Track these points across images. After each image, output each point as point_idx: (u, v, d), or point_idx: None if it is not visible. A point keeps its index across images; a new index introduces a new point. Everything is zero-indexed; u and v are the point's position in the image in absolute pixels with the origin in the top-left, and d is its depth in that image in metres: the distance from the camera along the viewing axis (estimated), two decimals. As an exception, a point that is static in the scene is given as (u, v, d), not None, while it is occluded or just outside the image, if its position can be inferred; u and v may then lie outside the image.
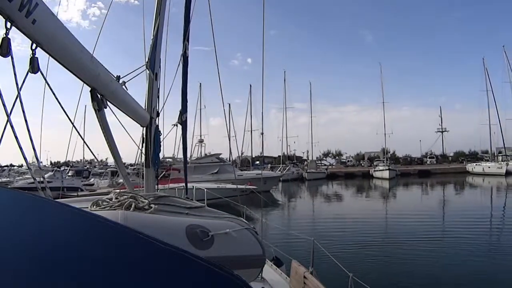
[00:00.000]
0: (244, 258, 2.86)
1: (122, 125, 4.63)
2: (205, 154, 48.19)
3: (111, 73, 3.77)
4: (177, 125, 6.54)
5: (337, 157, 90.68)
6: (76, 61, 2.88)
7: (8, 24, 2.06)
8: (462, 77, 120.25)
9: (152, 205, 3.17)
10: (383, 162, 62.43)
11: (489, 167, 54.71)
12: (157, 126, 5.54)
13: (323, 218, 21.30)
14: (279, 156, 73.00)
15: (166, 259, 1.11)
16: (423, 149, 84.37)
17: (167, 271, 1.08)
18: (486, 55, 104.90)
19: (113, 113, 4.06)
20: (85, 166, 48.81)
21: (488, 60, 76.73)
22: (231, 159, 51.23)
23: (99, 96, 3.41)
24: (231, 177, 29.88)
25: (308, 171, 60.87)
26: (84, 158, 56.19)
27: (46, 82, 2.77)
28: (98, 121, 3.64)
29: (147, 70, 5.19)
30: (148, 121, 5.18)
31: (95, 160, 61.58)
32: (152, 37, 5.29)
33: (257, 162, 67.35)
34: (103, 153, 38.82)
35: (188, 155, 7.81)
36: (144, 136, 5.30)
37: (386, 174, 53.28)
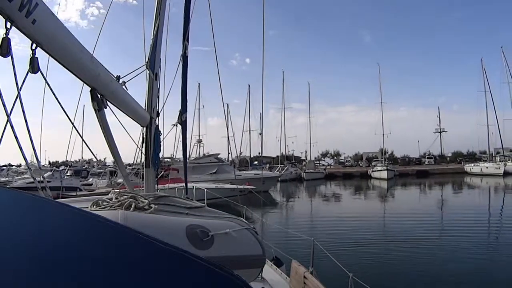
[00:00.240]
0: (244, 258, 2.86)
1: (122, 125, 4.63)
2: (204, 154, 48.17)
3: (111, 73, 3.77)
4: (177, 125, 6.54)
5: (335, 157, 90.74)
6: (76, 61, 2.87)
7: (8, 24, 2.06)
8: (461, 77, 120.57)
9: (152, 205, 3.16)
10: (381, 163, 62.45)
11: (487, 168, 54.79)
12: (157, 126, 5.54)
13: (322, 218, 21.31)
14: (277, 156, 73.10)
15: (166, 259, 1.11)
16: (421, 149, 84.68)
17: (167, 271, 1.08)
18: (485, 55, 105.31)
19: (113, 113, 4.06)
20: (84, 166, 48.73)
21: (487, 61, 77.26)
22: (229, 159, 51.29)
23: (99, 96, 3.41)
24: (230, 177, 29.87)
25: (306, 171, 60.85)
26: (82, 158, 56.18)
27: (46, 82, 2.77)
28: (98, 121, 3.64)
29: (147, 70, 5.19)
30: (148, 121, 5.17)
31: (94, 160, 61.58)
32: (152, 37, 5.29)
33: (256, 162, 67.34)
34: (102, 153, 38.77)
35: (187, 155, 7.84)
36: (144, 136, 5.30)
37: (384, 174, 53.28)
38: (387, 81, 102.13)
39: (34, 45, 2.36)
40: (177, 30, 6.35)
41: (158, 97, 5.55)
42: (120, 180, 28.29)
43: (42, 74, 2.53)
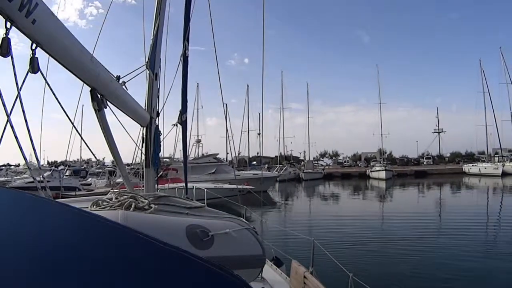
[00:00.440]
0: (244, 258, 2.86)
1: (122, 125, 4.63)
2: (203, 154, 48.20)
3: (111, 73, 3.77)
4: (177, 125, 6.54)
5: (334, 158, 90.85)
6: (76, 61, 2.87)
7: (8, 24, 2.06)
8: (460, 78, 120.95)
9: (152, 205, 3.17)
10: (380, 163, 62.59)
11: (485, 168, 54.89)
12: (157, 126, 5.53)
13: (321, 218, 21.31)
14: (276, 156, 73.18)
15: (166, 259, 1.11)
16: (420, 149, 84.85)
17: (167, 271, 1.07)
18: (484, 56, 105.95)
19: (113, 113, 4.06)
20: (82, 166, 48.69)
21: (487, 61, 77.37)
22: (228, 159, 51.27)
23: (99, 96, 3.41)
24: (228, 177, 29.87)
25: (305, 171, 60.90)
26: (81, 157, 56.13)
27: (46, 82, 2.77)
28: (98, 121, 3.63)
29: (147, 70, 5.19)
30: (148, 121, 5.17)
31: (92, 160, 61.54)
32: (152, 37, 5.29)
33: (254, 162, 67.37)
34: (100, 153, 38.75)
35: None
36: (144, 136, 5.30)
37: (382, 174, 53.35)
38: (386, 82, 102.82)
39: (34, 45, 2.36)
40: (177, 30, 6.37)
41: (158, 97, 5.55)
42: (119, 180, 28.32)
43: (42, 74, 2.53)
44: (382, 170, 54.72)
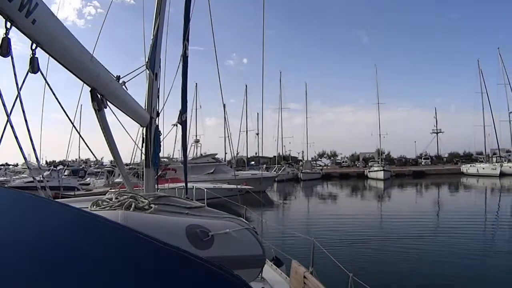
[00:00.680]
0: (244, 258, 2.86)
1: (122, 125, 4.63)
2: (201, 154, 48.18)
3: (111, 73, 3.77)
4: (177, 125, 6.53)
5: (332, 158, 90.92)
6: (76, 61, 2.88)
7: (8, 24, 2.06)
8: (458, 78, 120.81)
9: (152, 205, 3.17)
10: (378, 163, 62.61)
11: (483, 168, 54.88)
12: (157, 126, 5.53)
13: (321, 218, 21.31)
14: (274, 156, 73.14)
15: (166, 259, 1.11)
16: (418, 150, 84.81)
17: (167, 271, 1.07)
18: (483, 56, 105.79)
19: (113, 113, 4.06)
20: (81, 166, 48.63)
21: (485, 62, 77.26)
22: (226, 159, 51.24)
23: (99, 96, 3.41)
24: (227, 177, 29.87)
25: (303, 171, 60.90)
26: (79, 157, 56.01)
27: (46, 82, 2.77)
28: (98, 121, 3.63)
29: (147, 70, 5.18)
30: (148, 121, 5.17)
31: (91, 160, 61.48)
32: (152, 37, 5.28)
33: (252, 162, 67.38)
34: (99, 153, 38.71)
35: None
36: (144, 136, 5.30)
37: (380, 174, 53.37)
38: (385, 82, 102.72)
39: (34, 45, 2.36)
40: (177, 30, 6.37)
41: (158, 97, 5.55)
42: (118, 180, 28.28)
43: (42, 74, 2.53)
44: (380, 170, 54.77)
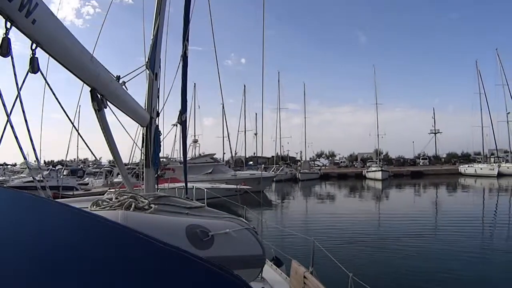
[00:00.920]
0: (244, 258, 2.86)
1: (122, 125, 4.63)
2: (199, 154, 48.15)
3: (111, 73, 3.77)
4: (176, 125, 6.53)
5: (330, 158, 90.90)
6: (76, 61, 2.87)
7: (8, 24, 2.06)
8: (457, 78, 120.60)
9: (152, 205, 3.17)
10: (376, 163, 62.72)
11: (481, 169, 54.95)
12: (157, 126, 5.53)
13: (320, 218, 21.32)
14: (272, 156, 73.15)
15: (166, 259, 1.11)
16: (416, 150, 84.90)
17: (167, 271, 1.07)
18: (482, 57, 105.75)
19: (113, 113, 4.05)
20: (79, 166, 48.57)
21: (484, 62, 77.45)
22: (224, 159, 51.20)
23: (99, 96, 3.41)
24: (225, 177, 29.91)
25: (301, 171, 60.86)
26: (78, 157, 55.96)
27: (46, 82, 2.76)
28: (98, 121, 3.63)
29: (147, 70, 5.18)
30: (148, 121, 5.17)
31: (89, 160, 61.42)
32: (152, 37, 5.28)
33: (251, 162, 67.39)
34: (97, 153, 38.61)
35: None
36: (144, 136, 5.29)
37: (378, 175, 53.40)
38: (383, 82, 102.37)
39: (34, 45, 2.36)
40: (177, 30, 6.36)
41: (158, 97, 5.55)
42: (116, 180, 28.25)
43: (42, 74, 2.53)
44: (378, 170, 54.83)
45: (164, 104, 5.86)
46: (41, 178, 3.82)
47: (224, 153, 62.55)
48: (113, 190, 4.52)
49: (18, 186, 21.79)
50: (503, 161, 55.92)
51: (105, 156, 42.07)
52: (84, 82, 3.20)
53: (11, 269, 0.99)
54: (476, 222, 18.61)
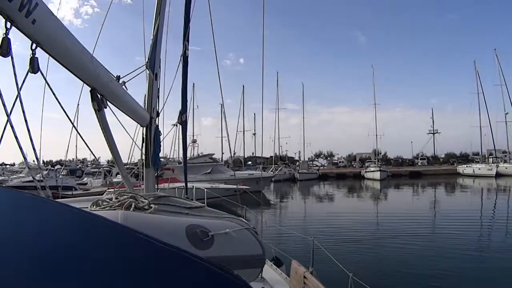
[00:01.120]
0: (244, 258, 2.86)
1: (122, 125, 4.63)
2: (198, 154, 48.13)
3: (111, 73, 3.77)
4: (177, 125, 6.53)
5: (328, 158, 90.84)
6: (76, 61, 2.88)
7: (8, 24, 2.06)
8: (456, 79, 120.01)
9: (152, 205, 3.16)
10: (374, 163, 62.81)
11: (479, 169, 55.00)
12: (157, 126, 5.53)
13: (319, 218, 21.32)
14: (271, 156, 73.17)
15: (166, 259, 1.11)
16: (415, 150, 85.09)
17: (167, 271, 1.07)
18: (481, 57, 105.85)
19: (113, 113, 4.05)
20: (77, 165, 48.49)
21: (482, 62, 77.47)
22: (223, 159, 51.17)
23: (99, 96, 3.41)
24: (224, 177, 29.87)
25: (300, 171, 60.86)
26: (76, 157, 55.88)
27: (46, 82, 2.77)
28: (98, 121, 3.63)
29: (147, 70, 5.18)
30: (148, 121, 5.17)
31: (87, 160, 61.37)
32: (152, 37, 5.28)
33: (249, 162, 67.40)
34: (96, 152, 38.53)
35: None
36: (144, 136, 5.29)
37: (377, 175, 53.44)
38: (382, 82, 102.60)
39: (34, 45, 2.36)
40: (177, 30, 6.36)
41: (158, 97, 5.55)
42: (115, 180, 28.21)
43: (42, 74, 2.53)
44: (377, 170, 54.89)
45: (164, 104, 5.87)
46: (41, 178, 3.81)
47: (223, 153, 62.59)
48: (112, 190, 4.53)
49: (17, 186, 21.76)
50: (501, 161, 55.99)
51: (104, 156, 42.11)
52: (84, 82, 3.20)
53: (11, 269, 0.99)
54: (475, 222, 18.63)
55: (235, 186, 20.39)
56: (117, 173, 30.35)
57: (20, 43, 2.65)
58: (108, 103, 3.68)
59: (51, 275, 1.00)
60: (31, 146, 2.57)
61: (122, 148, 4.62)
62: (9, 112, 2.22)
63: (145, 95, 5.36)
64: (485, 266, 10.42)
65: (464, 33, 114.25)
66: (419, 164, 75.12)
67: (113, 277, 1.04)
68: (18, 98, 2.37)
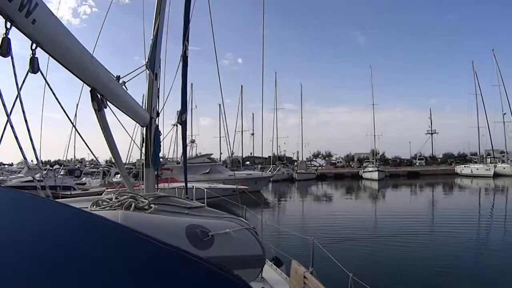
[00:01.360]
0: (244, 258, 2.86)
1: (122, 125, 4.63)
2: (196, 154, 48.16)
3: (111, 73, 3.77)
4: (177, 125, 6.52)
5: (327, 158, 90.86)
6: (76, 61, 2.88)
7: (8, 24, 2.06)
8: (455, 79, 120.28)
9: (152, 205, 3.17)
10: (373, 164, 62.86)
11: (477, 169, 55.05)
12: (157, 126, 5.52)
13: (319, 218, 21.35)
14: (269, 156, 73.18)
15: (166, 259, 1.11)
16: (413, 150, 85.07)
17: (167, 271, 1.07)
18: (480, 57, 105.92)
19: (113, 113, 4.05)
20: (76, 165, 48.43)
21: (481, 63, 77.57)
22: (221, 159, 51.17)
23: (99, 96, 3.41)
24: (222, 177, 29.87)
25: (298, 171, 60.79)
26: (75, 157, 55.80)
27: (46, 82, 2.77)
28: (98, 121, 3.64)
29: (147, 70, 5.18)
30: (148, 121, 5.17)
31: (86, 159, 61.33)
32: (152, 37, 5.28)
33: (247, 162, 67.39)
34: (95, 152, 38.34)
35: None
36: (144, 136, 5.29)
37: (375, 175, 53.49)
38: (382, 82, 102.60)
39: (34, 45, 2.36)
40: (177, 30, 6.36)
41: (158, 97, 5.55)
42: (114, 180, 28.18)
43: (42, 74, 2.53)
44: (375, 170, 54.96)
45: (164, 104, 5.87)
46: (41, 178, 3.81)
47: (221, 153, 62.52)
48: (111, 189, 4.52)
49: (16, 186, 21.70)
50: (499, 162, 56.08)
51: (102, 156, 42.08)
52: (84, 82, 3.21)
53: (11, 269, 0.99)
54: (473, 221, 18.76)
55: (234, 186, 20.40)
56: (116, 173, 30.39)
57: (20, 43, 2.64)
58: (108, 103, 3.68)
59: (51, 275, 1.00)
60: (31, 146, 2.58)
61: (120, 148, 4.62)
62: (9, 112, 2.22)
63: (145, 95, 5.36)
64: (483, 265, 10.49)
65: (463, 33, 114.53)
66: (417, 164, 75.12)
67: (113, 277, 1.04)
68: (18, 98, 2.37)
